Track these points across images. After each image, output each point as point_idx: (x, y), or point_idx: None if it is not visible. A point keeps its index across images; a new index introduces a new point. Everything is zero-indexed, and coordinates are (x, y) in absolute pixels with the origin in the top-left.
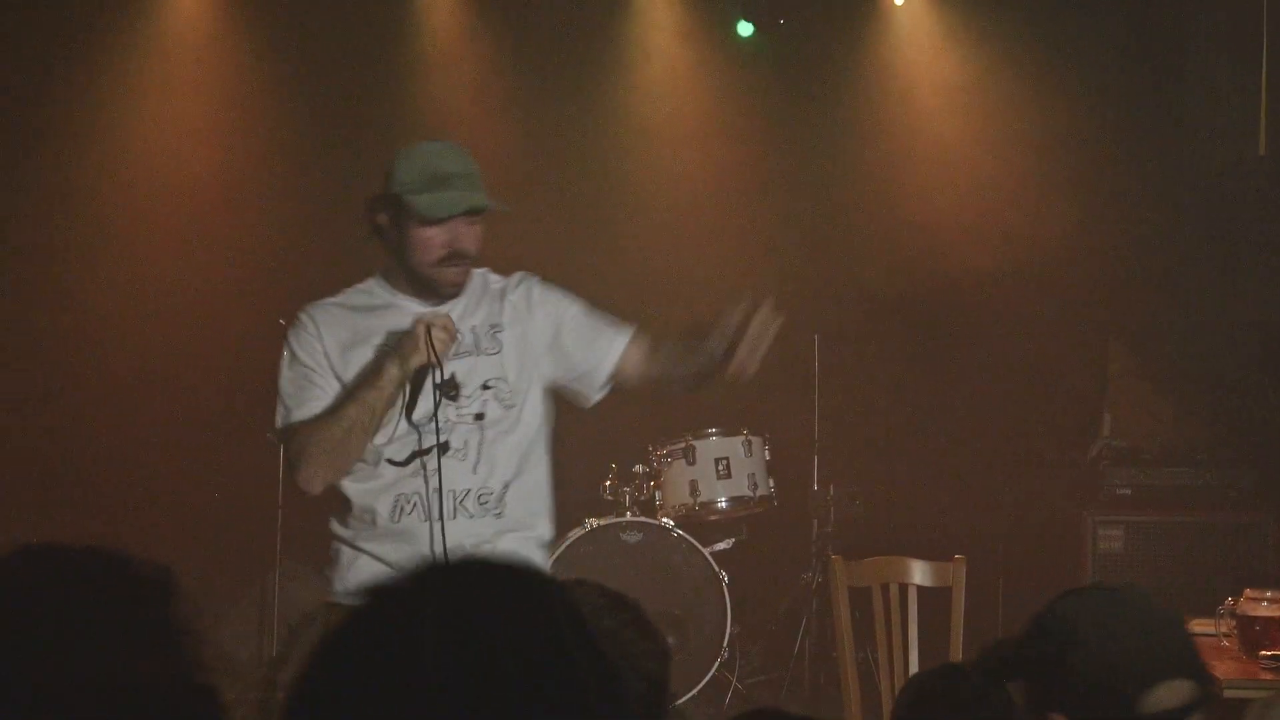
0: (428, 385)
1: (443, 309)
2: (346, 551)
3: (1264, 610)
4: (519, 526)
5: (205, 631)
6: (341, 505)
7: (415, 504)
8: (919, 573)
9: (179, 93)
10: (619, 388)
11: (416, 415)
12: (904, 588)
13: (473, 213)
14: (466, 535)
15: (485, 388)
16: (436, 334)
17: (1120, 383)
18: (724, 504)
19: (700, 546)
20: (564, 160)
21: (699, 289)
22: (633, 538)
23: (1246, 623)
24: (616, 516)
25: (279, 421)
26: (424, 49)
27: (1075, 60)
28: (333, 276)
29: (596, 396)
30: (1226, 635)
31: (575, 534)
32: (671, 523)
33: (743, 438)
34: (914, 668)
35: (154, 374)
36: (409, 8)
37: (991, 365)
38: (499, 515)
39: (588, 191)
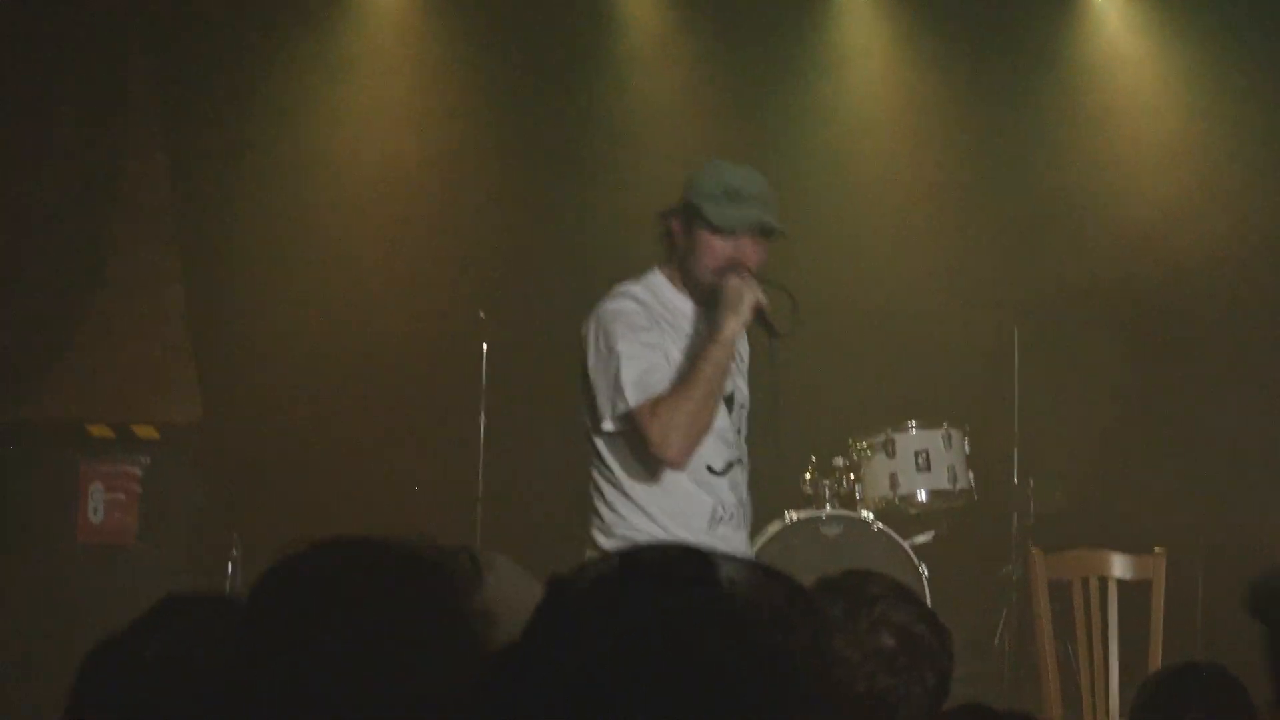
0: (768, 317)
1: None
2: None
3: None
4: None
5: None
6: (652, 499)
7: (732, 514)
8: (1119, 566)
9: (380, 86)
10: None
11: (721, 424)
12: (1104, 581)
13: (762, 231)
14: (741, 545)
15: (742, 407)
16: (751, 289)
17: None
18: (924, 497)
19: (900, 540)
20: (779, 158)
21: (905, 283)
22: (832, 531)
23: None
24: (816, 510)
25: (630, 403)
26: (629, 45)
27: (1255, 52)
28: (525, 269)
29: None
30: None
31: (775, 527)
32: (871, 516)
33: (942, 431)
34: (1114, 662)
35: (356, 368)
36: (613, 2)
37: (1198, 357)
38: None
39: (808, 190)
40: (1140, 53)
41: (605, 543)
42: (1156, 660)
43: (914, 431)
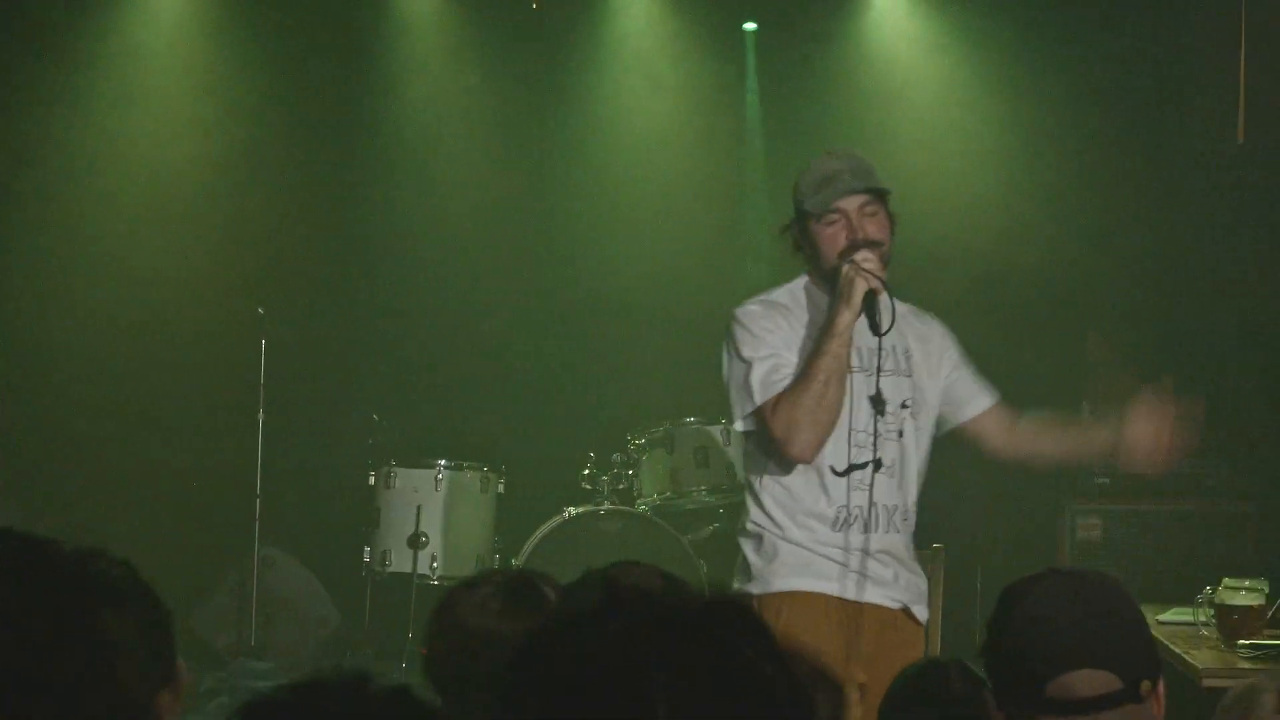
0: (880, 306)
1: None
2: (783, 545)
3: (1242, 599)
4: (912, 543)
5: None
6: (779, 497)
7: (857, 517)
8: None
9: (160, 85)
10: (966, 441)
11: (856, 425)
12: None
13: (856, 194)
14: (889, 548)
15: (904, 407)
16: (863, 262)
17: (1099, 371)
18: (702, 493)
19: (678, 535)
20: (561, 156)
21: (681, 280)
22: (611, 526)
23: (1225, 611)
24: (595, 505)
25: (756, 401)
26: (411, 44)
27: (1054, 53)
28: (304, 267)
29: (931, 433)
30: (1205, 624)
31: (554, 523)
32: (649, 511)
33: (721, 426)
34: None
35: (134, 363)
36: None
37: (973, 354)
38: (904, 531)
39: (587, 187)
40: (913, 55)
41: (746, 532)
42: (936, 654)
43: (693, 427)
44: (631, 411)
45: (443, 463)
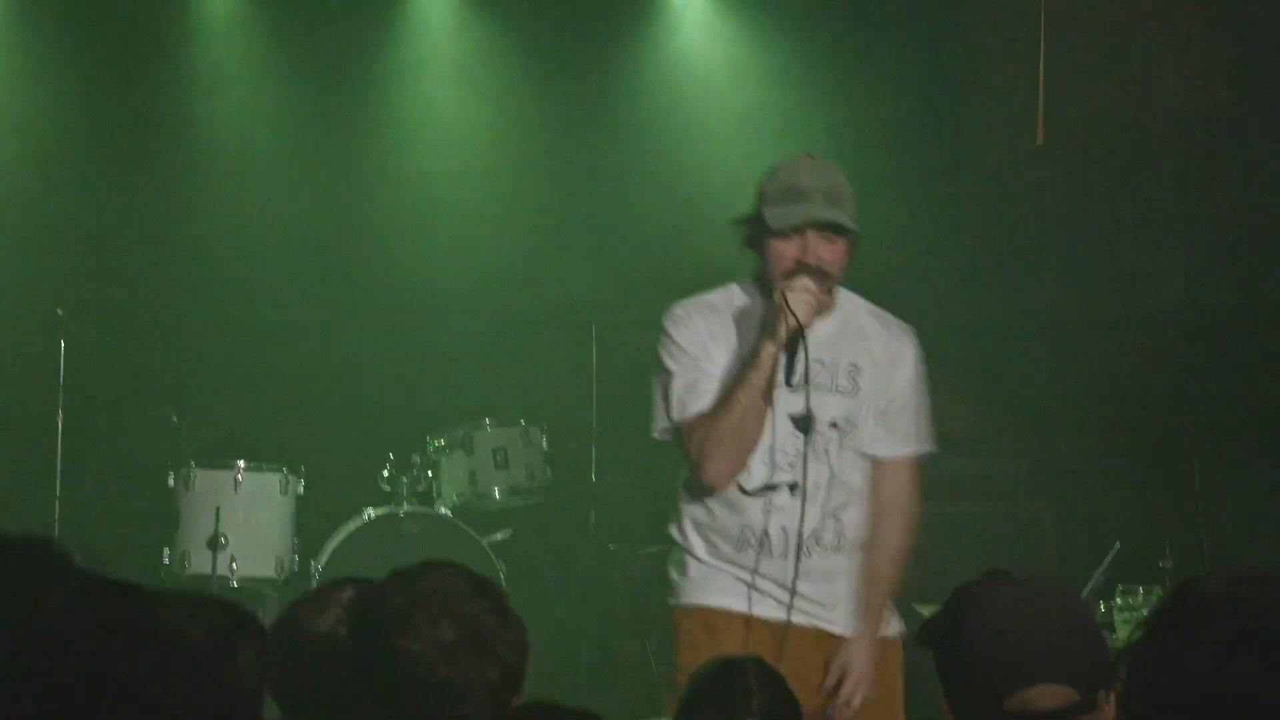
0: (800, 351)
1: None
2: (692, 561)
3: None
4: (850, 561)
5: None
6: (693, 513)
7: (765, 538)
8: None
9: None
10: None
11: (777, 444)
12: None
13: (821, 227)
14: (814, 571)
15: (833, 426)
16: (795, 297)
17: None
18: (502, 494)
19: (477, 537)
20: (355, 158)
21: (482, 280)
22: (410, 528)
23: None
24: (394, 507)
25: (672, 417)
26: (218, 42)
27: (855, 53)
28: (105, 267)
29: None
30: None
31: (353, 525)
32: (449, 513)
33: (520, 428)
34: None
35: None
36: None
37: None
38: (838, 551)
39: (377, 186)
40: (716, 52)
41: (668, 541)
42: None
43: (491, 428)
44: (431, 412)
45: (242, 464)
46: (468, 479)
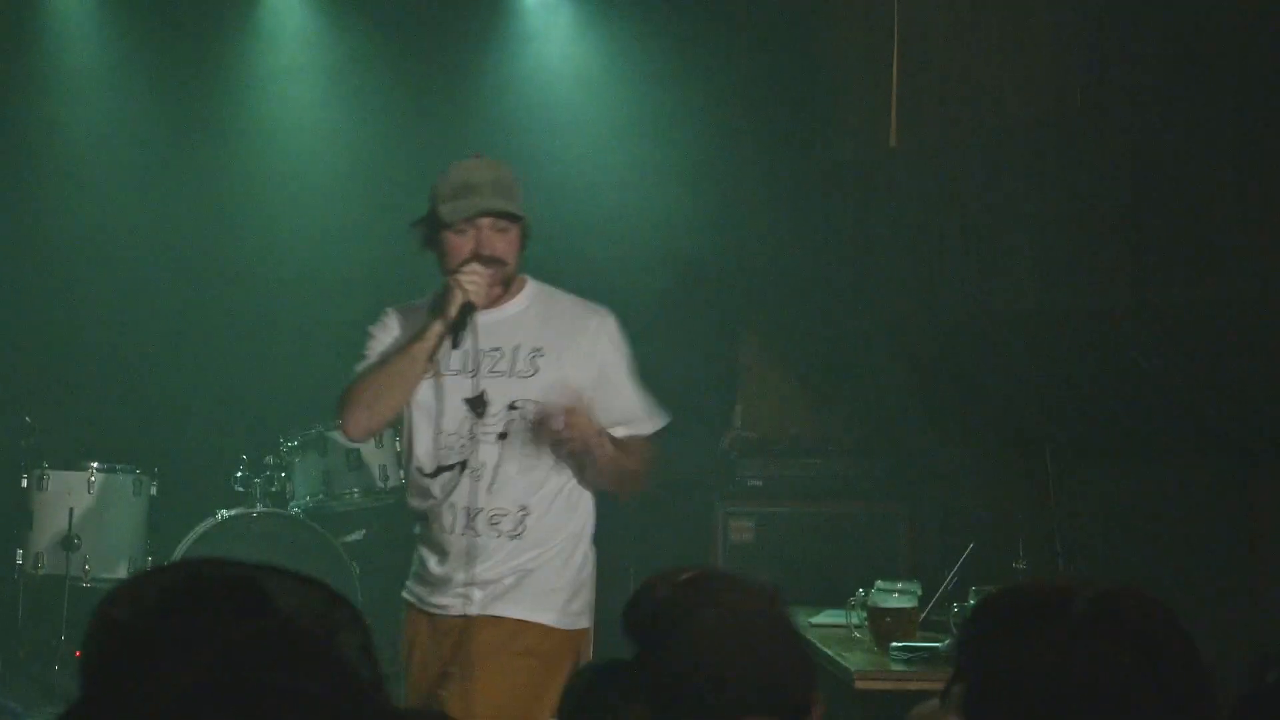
0: (468, 329)
1: (484, 317)
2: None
3: (895, 602)
4: (536, 548)
5: None
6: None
7: (442, 519)
8: None
9: None
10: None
11: (447, 428)
12: None
13: (491, 215)
14: (492, 555)
15: (512, 408)
16: (465, 279)
17: (751, 374)
18: (355, 495)
19: (331, 538)
20: (194, 157)
21: (326, 276)
22: (264, 528)
23: (878, 614)
24: (247, 508)
25: None
26: (69, 42)
27: (707, 54)
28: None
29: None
30: (858, 626)
31: (206, 525)
32: (302, 514)
33: None
34: None
35: None
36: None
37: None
38: (515, 537)
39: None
40: (566, 53)
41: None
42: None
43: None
44: (284, 413)
45: (95, 465)
46: (321, 480)
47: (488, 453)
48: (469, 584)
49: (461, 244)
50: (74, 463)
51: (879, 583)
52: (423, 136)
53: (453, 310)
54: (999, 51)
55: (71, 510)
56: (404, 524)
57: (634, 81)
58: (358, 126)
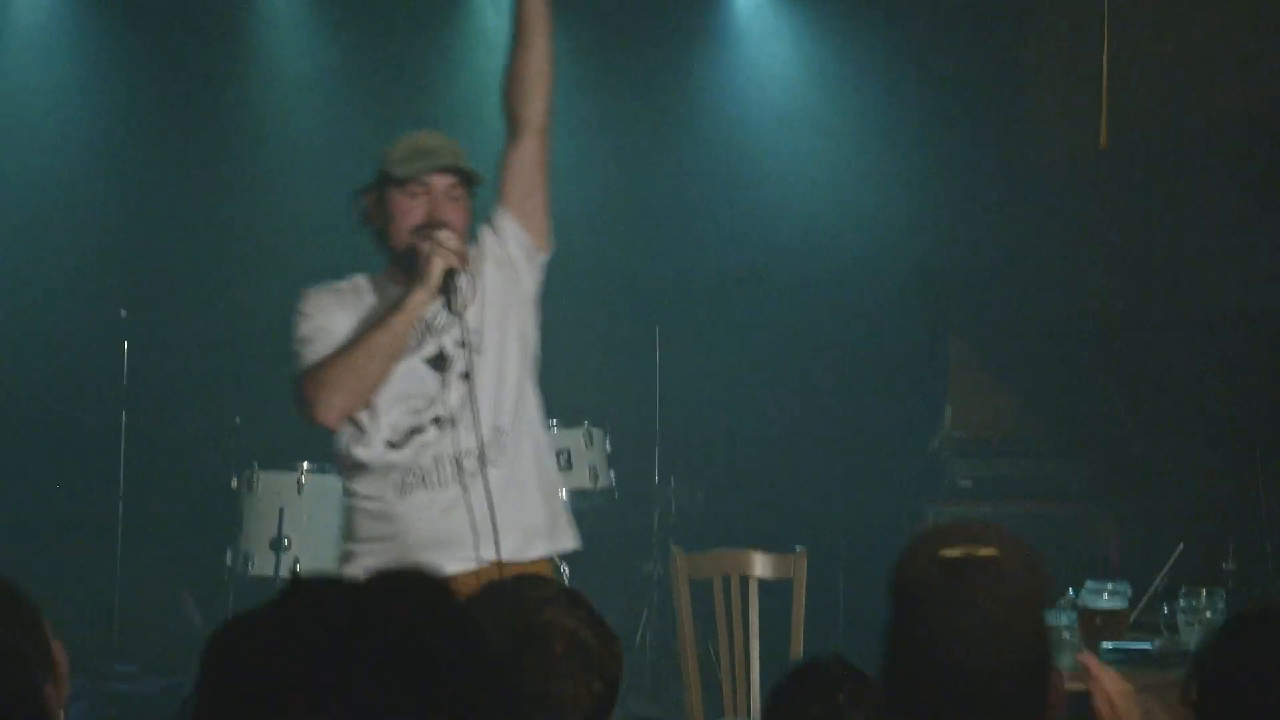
0: (460, 285)
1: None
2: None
3: (1105, 603)
4: (519, 471)
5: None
6: (352, 506)
7: (426, 476)
8: (760, 565)
9: (23, 87)
10: (519, 182)
11: (412, 390)
12: (745, 580)
13: (449, 172)
14: (495, 492)
15: (462, 345)
16: (446, 243)
17: (960, 374)
18: (565, 496)
19: None
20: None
21: (547, 280)
22: None
23: (1087, 615)
24: None
25: (296, 373)
26: (274, 41)
27: (916, 51)
28: (167, 268)
29: (535, 235)
30: (1067, 627)
31: None
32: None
33: (583, 429)
34: (755, 660)
35: None
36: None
37: (833, 356)
38: (497, 465)
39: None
40: (775, 51)
41: (343, 536)
42: (798, 657)
43: (555, 430)
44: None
45: (306, 465)
46: None
47: (456, 397)
48: (475, 532)
49: (413, 207)
50: (284, 463)
51: (1089, 583)
52: (629, 129)
53: (436, 277)
54: (1209, 48)
55: (281, 511)
56: (613, 525)
57: (838, 84)
58: (567, 117)
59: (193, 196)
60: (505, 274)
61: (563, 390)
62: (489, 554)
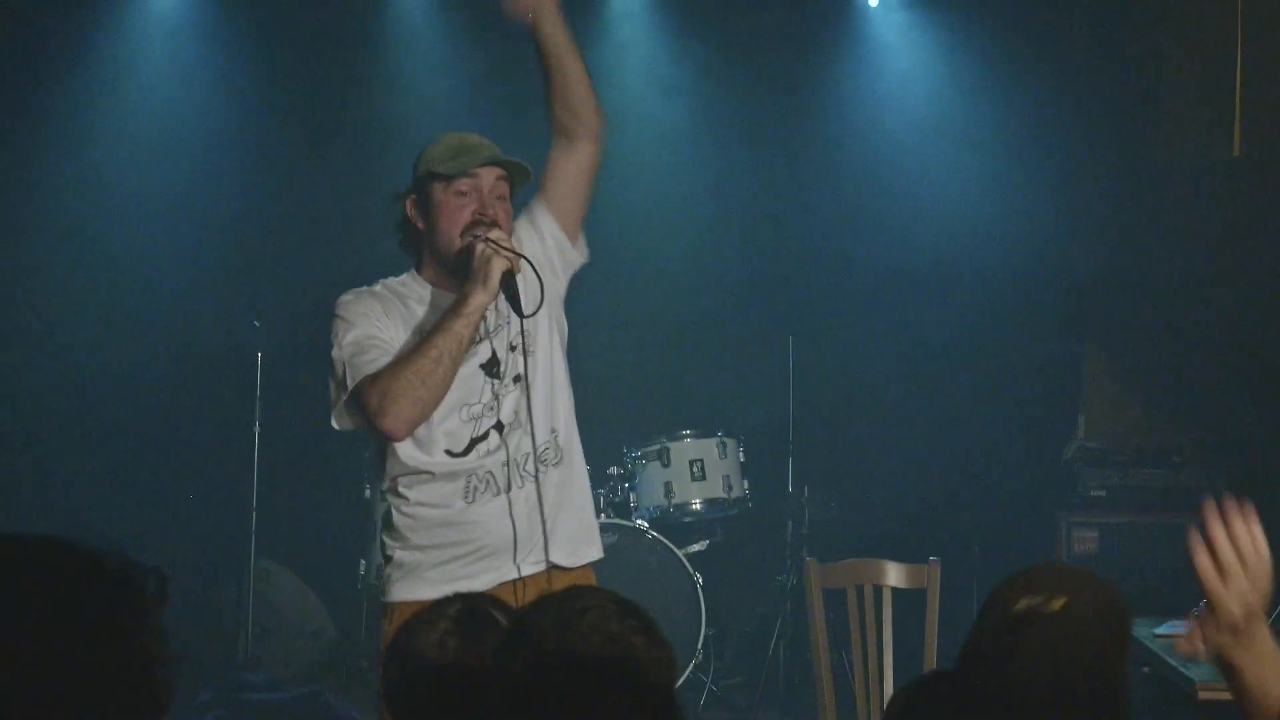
0: (521, 284)
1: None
2: (402, 554)
3: None
4: (571, 464)
5: (172, 631)
6: (400, 508)
7: (492, 480)
8: (894, 575)
9: (160, 91)
10: (563, 184)
11: (471, 399)
12: (879, 589)
13: (496, 165)
14: (547, 496)
15: (512, 349)
16: (499, 237)
17: (1094, 384)
18: (699, 506)
19: (674, 548)
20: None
21: (680, 292)
22: (607, 540)
23: None
24: None
25: (348, 385)
26: (405, 49)
27: (1049, 60)
28: (301, 278)
29: (572, 239)
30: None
31: None
32: (646, 525)
33: (717, 440)
34: (889, 670)
35: (131, 375)
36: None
37: (967, 366)
38: (558, 463)
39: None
40: (908, 59)
41: (386, 541)
42: (931, 668)
43: (689, 440)
44: (629, 424)
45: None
46: (664, 491)
47: (511, 400)
48: (544, 535)
49: (460, 205)
50: None
51: None
52: (776, 153)
53: (495, 279)
54: None
55: None
56: (747, 535)
57: (974, 92)
58: (707, 125)
59: (322, 204)
60: (545, 274)
61: (697, 400)
62: (555, 556)
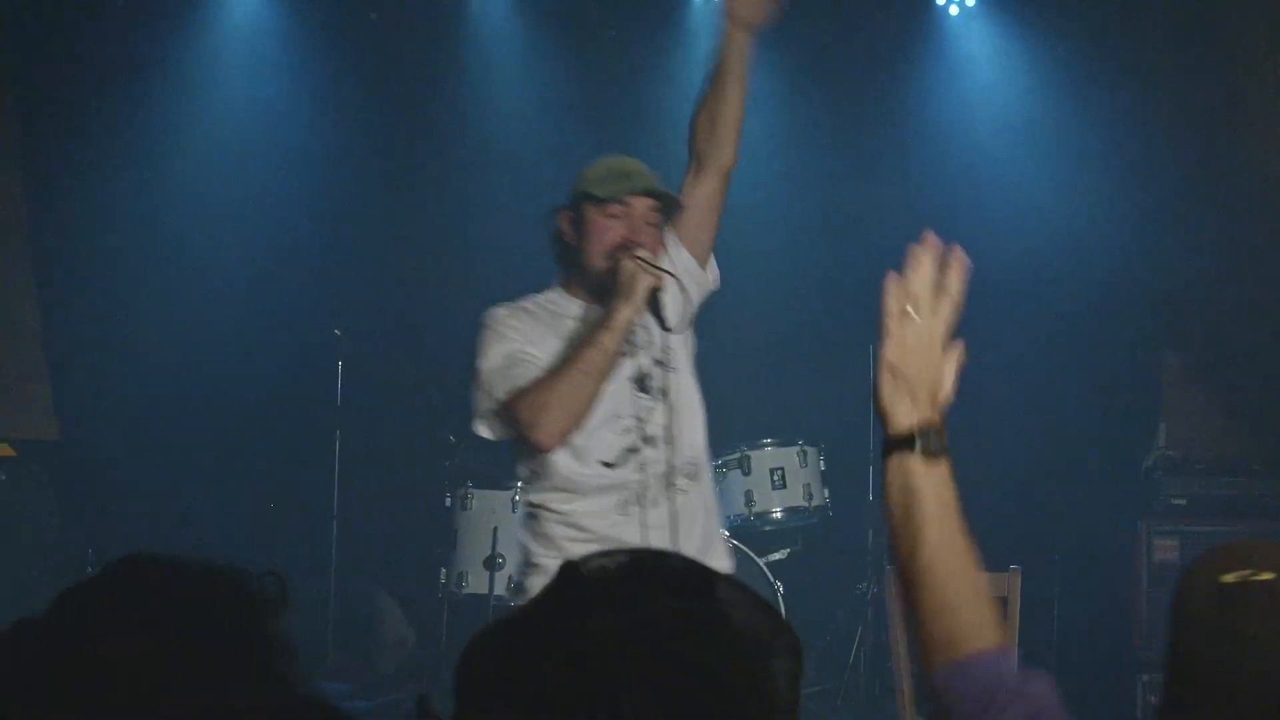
0: (665, 298)
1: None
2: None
3: None
4: (708, 480)
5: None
6: (555, 518)
7: (646, 492)
8: None
9: (242, 100)
10: (693, 214)
11: (621, 411)
12: None
13: (651, 196)
14: (684, 511)
15: (658, 364)
16: (648, 264)
17: (1175, 392)
18: (779, 514)
19: (755, 557)
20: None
21: (761, 301)
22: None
23: None
24: None
25: (497, 398)
26: (485, 58)
27: (1130, 64)
28: (380, 288)
29: (702, 264)
30: None
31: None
32: (726, 533)
33: (798, 448)
34: None
35: (212, 384)
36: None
37: (1046, 373)
38: (697, 477)
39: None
40: (987, 64)
41: (534, 548)
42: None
43: (769, 449)
44: (710, 434)
45: (520, 483)
46: (745, 499)
47: (659, 414)
48: (689, 549)
49: (611, 226)
50: (498, 481)
51: None
52: (855, 161)
53: (641, 296)
54: None
55: (495, 529)
56: (828, 543)
57: (1053, 99)
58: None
59: (404, 212)
60: (681, 297)
61: (777, 408)
62: None
